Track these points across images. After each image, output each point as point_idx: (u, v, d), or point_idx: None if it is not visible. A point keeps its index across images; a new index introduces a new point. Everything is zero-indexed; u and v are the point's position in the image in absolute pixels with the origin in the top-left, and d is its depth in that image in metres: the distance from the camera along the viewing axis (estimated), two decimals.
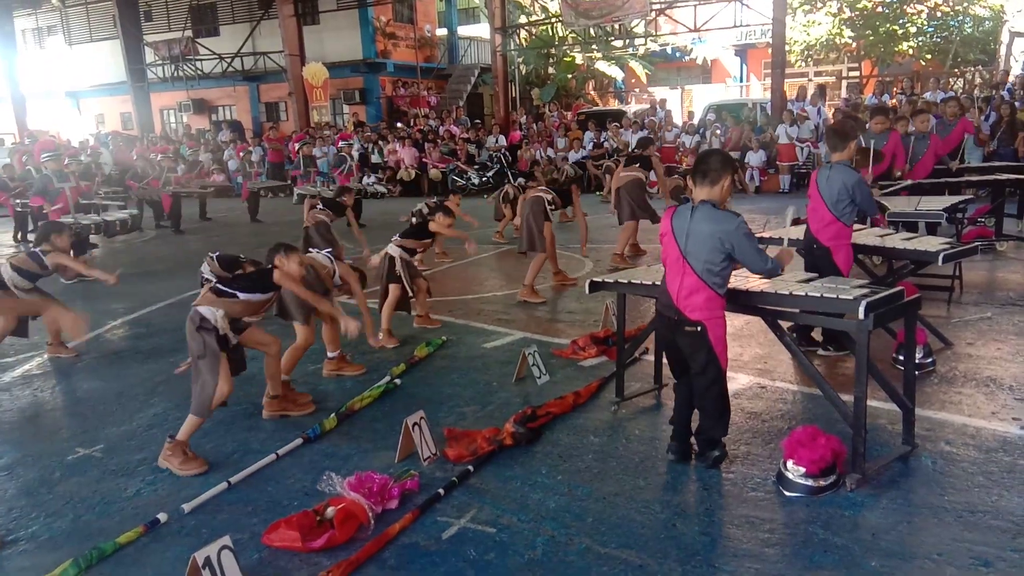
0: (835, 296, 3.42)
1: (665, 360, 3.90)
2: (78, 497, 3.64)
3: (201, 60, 25.20)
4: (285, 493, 3.60)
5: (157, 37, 26.15)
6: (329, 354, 5.24)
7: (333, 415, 4.40)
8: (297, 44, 22.66)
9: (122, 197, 13.68)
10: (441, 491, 3.48)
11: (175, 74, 25.37)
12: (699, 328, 3.46)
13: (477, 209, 11.59)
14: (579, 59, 25.64)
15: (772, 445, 3.86)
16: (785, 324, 4.03)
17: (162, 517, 3.35)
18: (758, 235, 5.93)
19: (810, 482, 3.37)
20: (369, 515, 3.22)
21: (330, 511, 3.19)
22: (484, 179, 17.99)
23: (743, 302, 3.74)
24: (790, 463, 3.42)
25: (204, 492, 3.56)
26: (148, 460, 4.00)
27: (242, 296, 4.02)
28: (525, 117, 21.13)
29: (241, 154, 19.43)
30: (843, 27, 21.61)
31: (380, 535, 3.14)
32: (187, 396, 4.14)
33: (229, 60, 24.55)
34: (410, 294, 5.99)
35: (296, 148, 15.34)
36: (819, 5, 22.03)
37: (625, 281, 4.25)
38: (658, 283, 3.76)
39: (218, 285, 4.08)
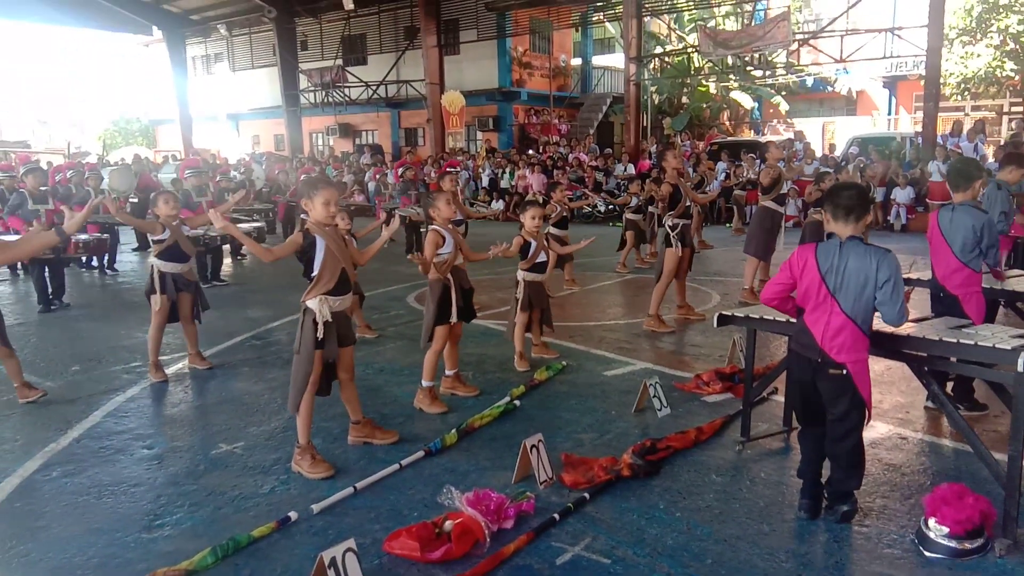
0: (991, 345, 3.17)
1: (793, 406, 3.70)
2: (219, 490, 3.89)
3: (349, 87, 26.73)
4: (406, 503, 3.71)
5: (311, 65, 28.02)
6: (447, 371, 5.37)
7: (454, 431, 4.49)
8: (438, 73, 23.65)
9: (271, 211, 14.71)
10: (556, 516, 3.47)
11: (325, 100, 27.03)
12: (844, 371, 3.28)
13: (603, 237, 11.57)
14: (713, 88, 25.25)
15: (912, 501, 3.61)
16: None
17: (293, 515, 3.52)
18: (904, 275, 5.62)
19: (954, 543, 3.12)
20: (485, 532, 3.26)
21: (448, 524, 3.26)
22: (610, 207, 17.98)
23: (888, 346, 3.53)
24: (932, 521, 3.18)
25: (332, 495, 3.72)
26: (283, 460, 4.23)
27: (316, 268, 3.95)
28: (655, 146, 20.98)
29: (377, 176, 20.33)
30: (1005, 59, 20.16)
31: (495, 554, 3.16)
32: (323, 404, 4.37)
33: (375, 88, 25.90)
34: (514, 320, 5.96)
35: (399, 172, 15.94)
36: (978, 36, 20.67)
37: (756, 316, 4.11)
38: (793, 321, 3.61)
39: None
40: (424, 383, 5.03)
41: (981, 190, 4.71)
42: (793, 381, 3.55)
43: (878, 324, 3.48)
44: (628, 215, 11.07)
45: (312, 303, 3.96)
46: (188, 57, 30.68)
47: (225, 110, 31.87)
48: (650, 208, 10.92)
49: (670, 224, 7.06)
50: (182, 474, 4.13)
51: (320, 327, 3.92)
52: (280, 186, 15.47)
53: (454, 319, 5.01)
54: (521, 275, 5.92)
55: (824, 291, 3.31)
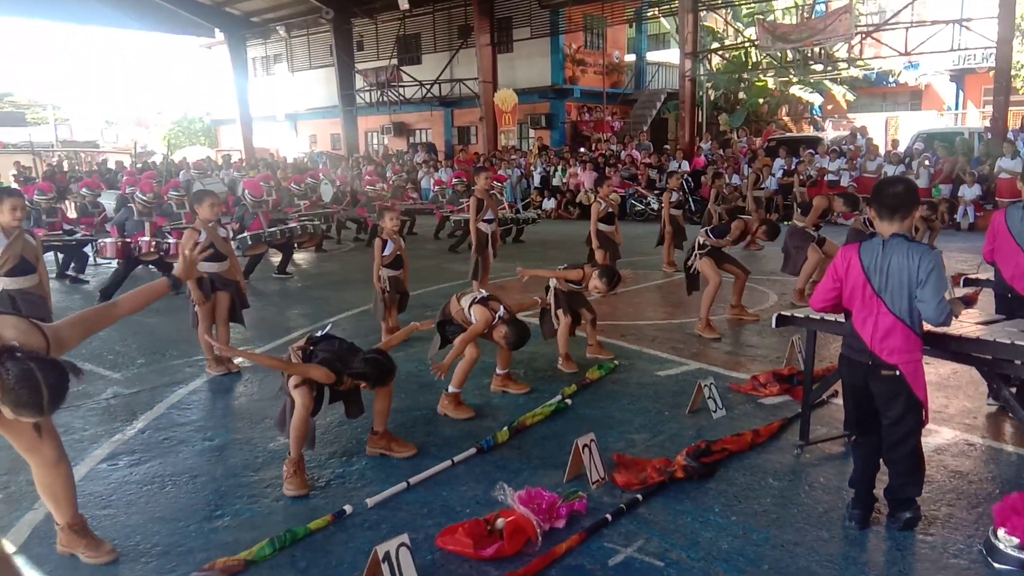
0: None
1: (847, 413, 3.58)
2: (276, 482, 3.97)
3: (403, 86, 27.01)
4: (458, 499, 3.73)
5: (367, 65, 28.38)
6: (498, 371, 5.38)
7: (506, 428, 4.50)
8: (491, 71, 23.70)
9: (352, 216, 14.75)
10: (609, 516, 3.45)
11: (380, 99, 27.36)
12: (896, 372, 3.18)
13: (653, 236, 11.44)
14: (771, 83, 24.73)
15: (980, 509, 3.48)
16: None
17: (348, 509, 3.58)
18: (972, 276, 5.43)
19: None
20: (537, 531, 3.26)
21: (500, 522, 3.26)
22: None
23: (955, 349, 3.41)
24: (1001, 532, 3.05)
25: (386, 489, 3.78)
26: (337, 454, 4.31)
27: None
28: (710, 143, 20.65)
29: (436, 188, 19.69)
30: None
31: (547, 553, 3.16)
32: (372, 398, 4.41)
33: (429, 86, 26.12)
34: (555, 326, 5.85)
35: (452, 182, 16.01)
36: None
37: (816, 317, 4.01)
38: None
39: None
40: (451, 388, 4.95)
41: None
42: (846, 386, 3.45)
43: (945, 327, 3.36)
44: (671, 211, 10.71)
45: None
46: (248, 58, 31.38)
47: (284, 110, 32.52)
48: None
49: (701, 240, 6.96)
50: (241, 466, 4.23)
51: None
52: (357, 193, 15.35)
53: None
54: (552, 283, 5.90)
55: (870, 291, 3.21)
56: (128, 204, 10.11)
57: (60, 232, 10.93)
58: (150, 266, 10.10)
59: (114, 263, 9.98)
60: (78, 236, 10.99)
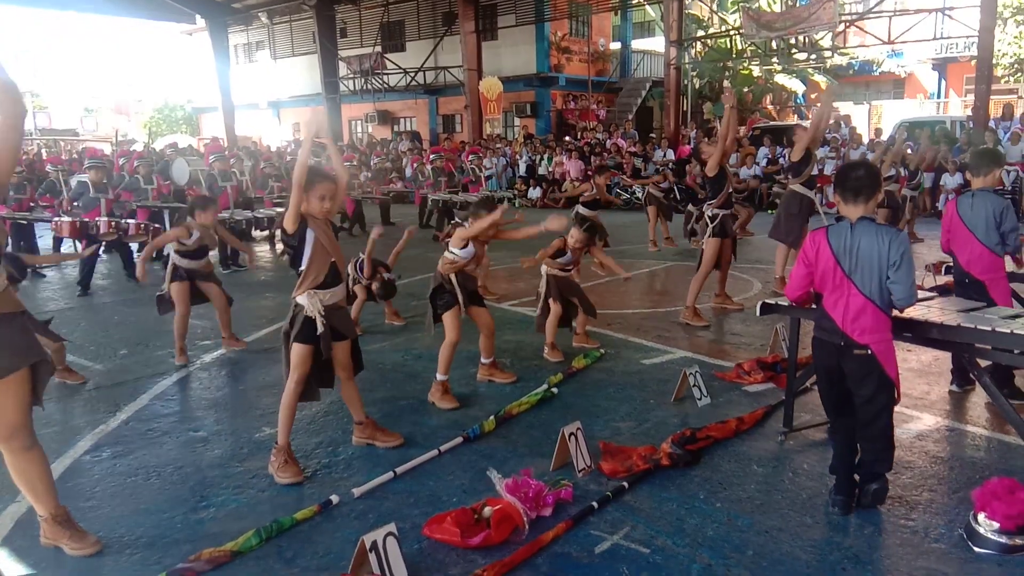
0: None
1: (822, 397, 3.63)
2: (262, 473, 3.95)
3: (388, 74, 26.83)
4: (444, 488, 3.73)
5: (350, 52, 28.16)
6: (483, 360, 5.38)
7: (492, 418, 4.50)
8: (476, 59, 23.60)
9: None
10: (595, 504, 3.47)
11: (364, 87, 27.16)
12: (868, 351, 3.24)
13: (641, 224, 11.50)
14: (756, 72, 24.78)
15: (960, 494, 3.52)
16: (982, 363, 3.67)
17: (334, 499, 3.57)
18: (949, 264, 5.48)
19: (1004, 539, 3.04)
20: (524, 519, 3.27)
21: (487, 511, 3.27)
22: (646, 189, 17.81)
23: (936, 336, 3.45)
24: (982, 516, 3.10)
25: (372, 479, 3.77)
26: (324, 444, 4.30)
27: (303, 262, 3.80)
28: (695, 132, 20.69)
29: (415, 165, 19.97)
30: None
31: (534, 541, 3.17)
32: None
33: (413, 74, 25.95)
34: (540, 311, 5.91)
35: (430, 159, 15.90)
36: None
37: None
38: None
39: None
40: (438, 376, 4.93)
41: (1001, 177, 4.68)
42: (819, 368, 3.50)
43: (926, 314, 3.40)
44: (652, 190, 11.38)
45: (302, 299, 3.81)
46: (230, 45, 31.04)
47: (266, 98, 32.22)
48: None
49: (710, 215, 6.94)
50: (227, 457, 4.21)
51: (319, 323, 3.79)
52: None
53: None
54: (544, 269, 5.91)
55: (840, 274, 3.28)
56: (82, 179, 9.80)
57: (26, 211, 10.72)
58: (113, 250, 9.97)
59: (74, 245, 9.84)
60: (33, 216, 10.65)
